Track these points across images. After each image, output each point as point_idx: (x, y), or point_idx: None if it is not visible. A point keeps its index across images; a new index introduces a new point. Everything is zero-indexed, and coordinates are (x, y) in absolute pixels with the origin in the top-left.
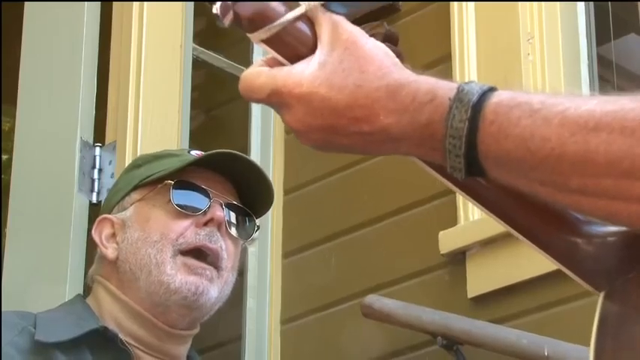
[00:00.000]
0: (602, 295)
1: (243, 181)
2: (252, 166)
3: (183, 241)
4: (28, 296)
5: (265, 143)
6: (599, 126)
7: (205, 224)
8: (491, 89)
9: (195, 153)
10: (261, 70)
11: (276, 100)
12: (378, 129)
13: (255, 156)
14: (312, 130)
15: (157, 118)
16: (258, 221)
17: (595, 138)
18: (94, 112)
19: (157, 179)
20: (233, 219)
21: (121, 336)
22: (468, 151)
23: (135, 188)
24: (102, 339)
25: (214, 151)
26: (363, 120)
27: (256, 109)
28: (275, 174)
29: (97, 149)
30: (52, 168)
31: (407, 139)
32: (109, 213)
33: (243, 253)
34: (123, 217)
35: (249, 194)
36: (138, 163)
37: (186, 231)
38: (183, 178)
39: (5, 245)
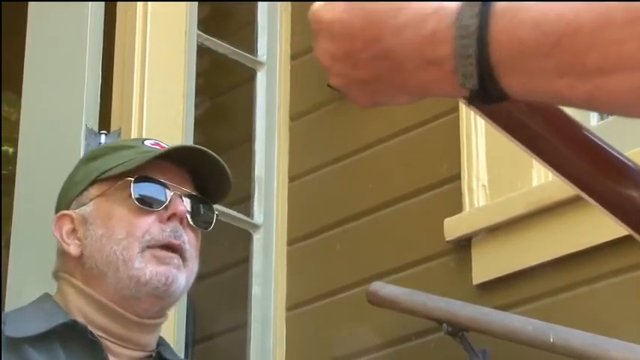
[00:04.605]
0: None
1: (199, 169)
2: (207, 156)
3: (150, 238)
4: (36, 281)
5: (270, 130)
6: None
7: (168, 219)
8: None
9: (149, 142)
10: None
11: (313, 27)
12: (387, 49)
13: (259, 143)
14: (334, 61)
15: (161, 105)
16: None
17: (613, 1)
18: (99, 100)
19: (116, 175)
20: (193, 210)
21: (90, 328)
22: (479, 49)
23: (93, 183)
24: (72, 332)
25: (171, 146)
26: (374, 41)
27: (261, 96)
28: (280, 161)
29: (103, 137)
30: (57, 156)
31: (411, 60)
32: (67, 208)
33: (249, 239)
34: (83, 212)
35: (206, 182)
36: (94, 155)
37: (151, 227)
38: (141, 172)
39: (12, 230)
